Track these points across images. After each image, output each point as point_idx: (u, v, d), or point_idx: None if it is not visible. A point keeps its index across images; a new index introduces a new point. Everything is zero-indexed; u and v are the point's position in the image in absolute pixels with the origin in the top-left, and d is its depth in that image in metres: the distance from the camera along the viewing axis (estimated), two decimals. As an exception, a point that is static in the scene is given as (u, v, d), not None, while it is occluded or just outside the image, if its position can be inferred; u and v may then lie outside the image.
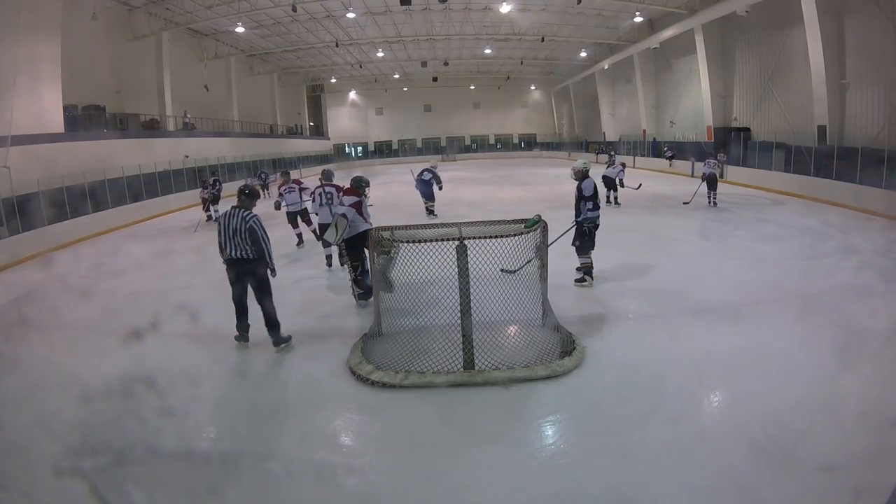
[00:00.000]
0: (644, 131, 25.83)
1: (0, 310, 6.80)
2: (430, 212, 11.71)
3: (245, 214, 4.43)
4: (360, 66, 32.29)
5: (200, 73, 24.16)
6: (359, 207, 5.64)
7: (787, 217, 10.46)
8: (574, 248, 6.04)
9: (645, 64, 25.32)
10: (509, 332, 4.58)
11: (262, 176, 18.96)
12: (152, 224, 13.93)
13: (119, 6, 18.09)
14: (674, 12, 19.82)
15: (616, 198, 12.44)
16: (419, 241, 4.05)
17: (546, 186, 18.37)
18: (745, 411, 3.31)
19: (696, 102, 21.35)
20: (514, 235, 4.24)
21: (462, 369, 3.86)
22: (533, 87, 42.18)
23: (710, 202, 11.98)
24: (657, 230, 9.90)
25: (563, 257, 6.06)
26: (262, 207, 5.44)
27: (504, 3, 20.66)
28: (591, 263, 6.07)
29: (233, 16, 20.25)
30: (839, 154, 12.34)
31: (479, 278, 4.02)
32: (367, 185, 6.00)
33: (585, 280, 6.01)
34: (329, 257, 7.37)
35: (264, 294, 4.49)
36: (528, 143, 42.35)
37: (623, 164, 12.83)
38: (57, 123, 13.48)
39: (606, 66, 28.68)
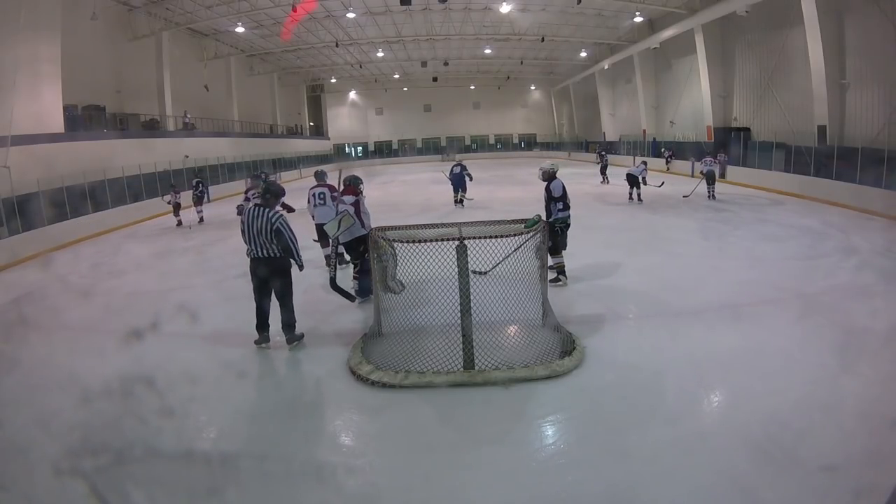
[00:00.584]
0: (644, 131, 25.82)
1: (0, 310, 6.80)
2: (460, 201, 12.74)
3: (271, 215, 4.40)
4: (360, 66, 32.30)
5: (200, 73, 24.17)
6: (357, 207, 5.64)
7: (787, 217, 10.45)
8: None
9: (645, 64, 25.32)
10: (509, 332, 4.58)
11: (263, 176, 18.95)
12: (152, 224, 13.92)
13: (119, 6, 18.10)
14: (674, 12, 19.83)
15: (639, 195, 12.93)
16: (419, 241, 4.05)
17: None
18: (745, 411, 3.31)
19: (696, 102, 21.36)
20: (514, 235, 4.25)
21: (462, 369, 3.86)
22: (533, 87, 42.20)
23: (709, 196, 12.91)
24: (657, 230, 9.89)
25: (563, 256, 6.07)
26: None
27: (504, 3, 20.67)
28: (563, 263, 6.06)
29: (233, 16, 20.27)
30: (839, 154, 12.33)
31: (478, 278, 4.02)
32: (360, 181, 6.04)
33: (560, 280, 5.97)
34: (328, 257, 7.36)
35: (286, 293, 4.51)
36: (528, 143, 42.35)
37: (645, 163, 13.39)
38: (57, 123, 13.49)
39: (606, 66, 28.68)
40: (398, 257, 4.47)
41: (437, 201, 14.77)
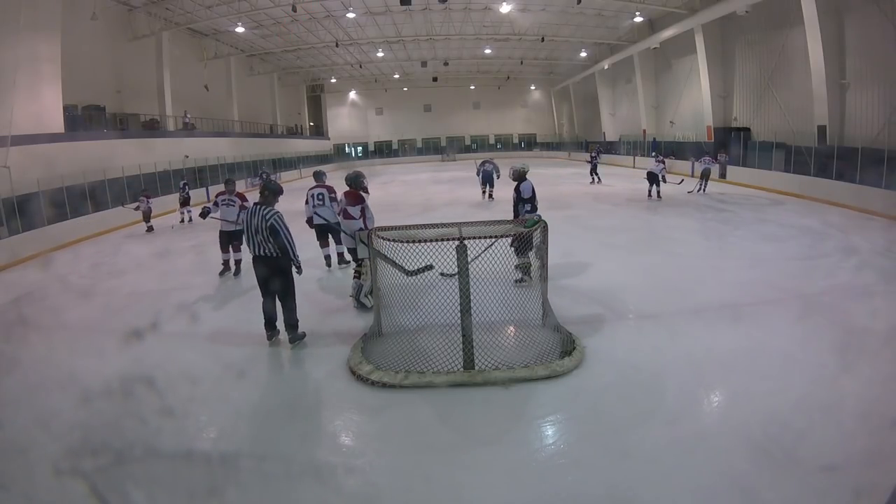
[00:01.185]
0: (644, 131, 25.82)
1: (0, 310, 6.80)
2: (490, 196, 13.54)
3: (265, 212, 4.42)
4: (360, 66, 32.30)
5: (200, 73, 24.17)
6: (364, 214, 5.64)
7: (787, 217, 10.45)
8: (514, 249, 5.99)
9: (645, 64, 25.31)
10: (509, 332, 4.58)
11: (264, 176, 18.97)
12: (152, 224, 13.91)
13: (119, 6, 18.10)
14: (674, 12, 19.82)
15: (659, 192, 13.32)
16: (419, 241, 4.05)
17: (546, 186, 18.32)
18: (745, 411, 3.31)
19: (696, 102, 21.34)
20: (514, 235, 4.25)
21: (462, 369, 3.86)
22: (533, 87, 42.17)
23: (697, 190, 14.22)
24: (657, 230, 9.90)
25: (563, 256, 6.08)
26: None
27: (504, 3, 20.66)
28: (530, 262, 6.03)
29: (233, 16, 20.26)
30: (839, 154, 12.33)
31: (479, 278, 4.02)
32: (364, 177, 5.99)
33: (524, 280, 5.92)
34: (328, 257, 7.37)
35: (287, 294, 4.52)
36: (528, 143, 42.33)
37: (663, 161, 13.92)
38: (57, 123, 13.49)
39: (606, 66, 28.67)
40: (378, 269, 4.43)
41: (437, 201, 14.79)
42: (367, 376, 3.86)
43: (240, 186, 10.66)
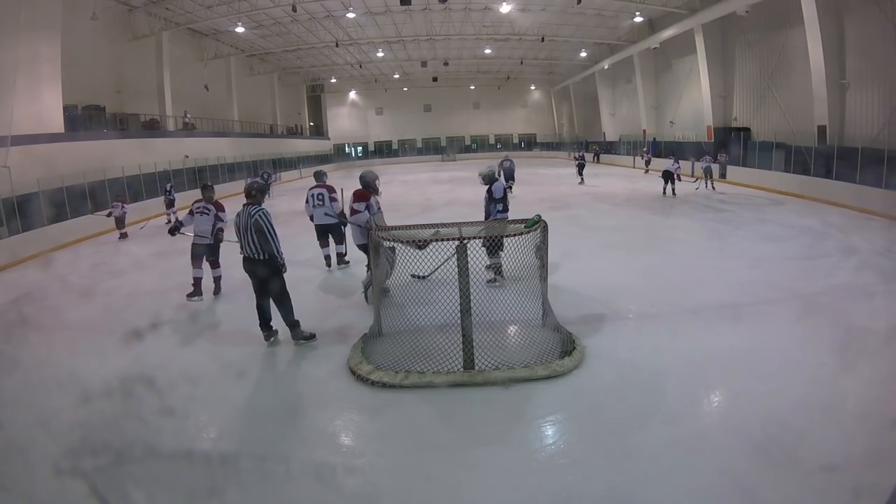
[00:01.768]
0: (644, 131, 25.82)
1: (0, 310, 6.80)
2: (510, 188, 13.58)
3: (251, 210, 4.44)
4: (360, 66, 32.30)
5: (200, 73, 24.17)
6: (368, 208, 5.68)
7: (787, 217, 10.45)
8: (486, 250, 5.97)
9: (645, 64, 25.31)
10: (509, 332, 4.58)
11: (265, 176, 18.97)
12: (152, 224, 13.89)
13: (119, 6, 18.10)
14: (674, 12, 19.82)
15: (674, 190, 13.89)
16: (418, 242, 4.05)
17: (546, 186, 18.38)
18: (745, 411, 3.31)
19: (696, 102, 21.35)
20: (514, 235, 4.25)
21: (462, 369, 3.86)
22: (533, 87, 42.18)
23: (696, 187, 14.96)
24: (657, 230, 9.90)
25: (563, 256, 6.07)
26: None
27: (504, 3, 20.66)
28: (501, 262, 6.02)
29: (233, 16, 20.27)
30: (839, 154, 12.33)
31: (479, 278, 4.01)
32: (376, 178, 6.02)
33: (496, 280, 5.85)
34: (328, 257, 7.37)
35: (280, 294, 4.51)
36: (528, 143, 42.34)
37: (678, 161, 14.33)
38: (57, 123, 13.49)
39: (606, 66, 28.66)
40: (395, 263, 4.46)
41: (437, 201, 14.79)
42: (367, 376, 3.86)
43: (240, 187, 10.59)
